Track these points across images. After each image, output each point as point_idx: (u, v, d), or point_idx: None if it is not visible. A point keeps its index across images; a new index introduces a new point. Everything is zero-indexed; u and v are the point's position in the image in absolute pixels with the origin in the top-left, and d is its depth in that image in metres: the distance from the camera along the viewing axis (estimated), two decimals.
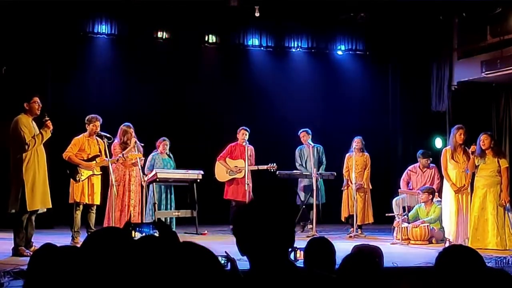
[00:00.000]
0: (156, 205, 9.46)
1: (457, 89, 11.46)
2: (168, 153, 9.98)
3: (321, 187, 10.37)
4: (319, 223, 9.98)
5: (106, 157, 8.51)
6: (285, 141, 11.03)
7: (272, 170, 10.15)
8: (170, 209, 9.84)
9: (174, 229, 9.63)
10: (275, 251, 2.18)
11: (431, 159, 10.02)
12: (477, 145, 8.40)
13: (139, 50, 11.75)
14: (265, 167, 10.13)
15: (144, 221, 9.08)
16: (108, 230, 2.76)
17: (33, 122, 7.41)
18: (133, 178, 9.02)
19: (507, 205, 8.41)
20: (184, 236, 9.51)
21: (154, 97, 11.73)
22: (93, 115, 8.63)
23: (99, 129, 8.56)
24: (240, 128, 10.24)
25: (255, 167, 10.13)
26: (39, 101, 7.37)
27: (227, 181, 10.26)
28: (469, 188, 8.56)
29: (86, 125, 8.57)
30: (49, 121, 7.38)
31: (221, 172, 10.30)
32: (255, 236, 2.17)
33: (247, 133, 10.17)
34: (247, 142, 10.08)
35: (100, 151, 8.61)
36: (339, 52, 12.73)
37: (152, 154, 9.77)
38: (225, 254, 3.74)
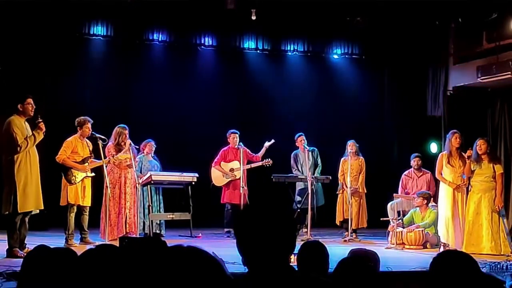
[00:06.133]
0: (150, 207, 9.43)
1: (452, 94, 11.48)
2: (152, 154, 9.95)
3: (319, 190, 10.37)
4: (314, 227, 9.97)
5: (99, 158, 8.49)
6: (281, 144, 11.01)
7: (267, 166, 10.14)
8: (159, 211, 9.79)
9: (163, 231, 9.67)
10: (275, 255, 2.17)
11: (420, 160, 10.03)
12: (473, 150, 8.42)
13: (135, 52, 11.73)
14: (259, 163, 10.13)
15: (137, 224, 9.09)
16: (105, 247, 2.74)
17: (26, 123, 7.39)
18: (129, 180, 9.00)
19: (501, 210, 8.44)
20: (178, 239, 9.50)
21: (150, 99, 11.70)
22: (83, 117, 8.60)
23: (91, 130, 8.55)
24: (229, 132, 10.25)
25: (248, 166, 10.12)
26: (32, 102, 7.34)
27: (224, 185, 10.25)
28: (465, 195, 8.58)
29: (78, 128, 8.54)
30: (42, 123, 7.36)
31: (218, 177, 10.28)
32: (255, 240, 2.17)
33: (237, 135, 10.17)
34: (241, 144, 10.08)
35: (90, 153, 8.59)
36: (335, 56, 12.75)
37: (139, 156, 9.71)
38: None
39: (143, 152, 9.81)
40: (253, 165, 10.18)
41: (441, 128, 11.47)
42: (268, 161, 10.13)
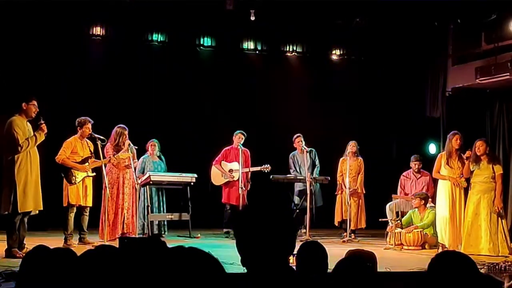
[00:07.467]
0: (149, 208, 9.42)
1: (451, 95, 11.48)
2: (158, 154, 9.94)
3: (317, 191, 10.36)
4: (313, 227, 9.97)
5: (99, 158, 8.49)
6: (280, 145, 11.02)
7: (265, 171, 10.12)
8: (161, 212, 9.79)
9: (166, 232, 9.67)
10: (275, 256, 2.17)
11: (421, 164, 10.04)
12: (472, 151, 8.43)
13: (134, 52, 11.72)
14: (258, 168, 10.11)
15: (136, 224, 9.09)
16: (104, 248, 2.74)
17: (28, 124, 7.41)
18: (127, 180, 9.00)
19: (500, 211, 8.44)
20: (177, 239, 9.50)
21: (149, 100, 11.71)
22: (83, 118, 8.60)
23: (91, 131, 8.54)
24: (237, 132, 10.21)
25: (247, 169, 10.11)
26: (36, 104, 7.37)
27: (223, 184, 10.24)
28: (463, 197, 8.58)
29: (78, 128, 8.55)
30: (43, 124, 7.39)
31: (216, 176, 10.27)
32: (255, 240, 2.17)
33: (243, 136, 10.15)
34: (241, 146, 10.07)
35: (91, 153, 8.59)
36: (334, 57, 12.74)
37: (143, 157, 9.73)
38: None
39: (148, 153, 9.82)
40: (251, 169, 10.16)
41: (440, 129, 11.48)
42: (267, 167, 10.10)
